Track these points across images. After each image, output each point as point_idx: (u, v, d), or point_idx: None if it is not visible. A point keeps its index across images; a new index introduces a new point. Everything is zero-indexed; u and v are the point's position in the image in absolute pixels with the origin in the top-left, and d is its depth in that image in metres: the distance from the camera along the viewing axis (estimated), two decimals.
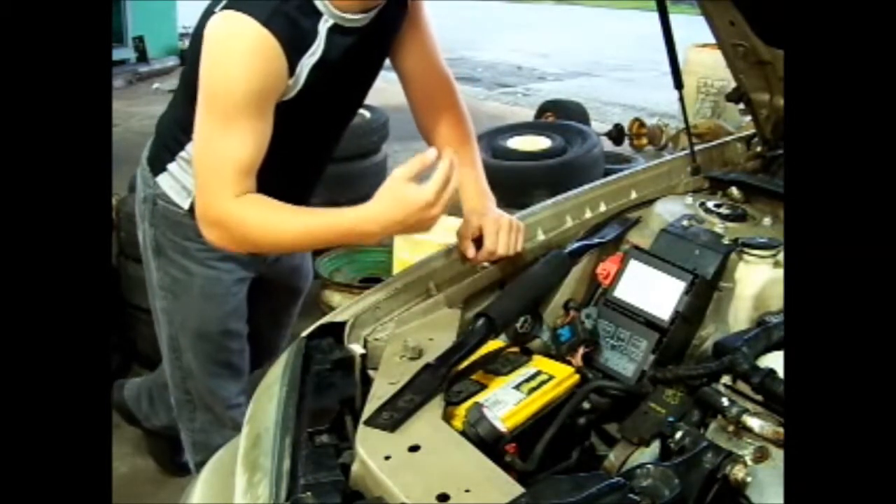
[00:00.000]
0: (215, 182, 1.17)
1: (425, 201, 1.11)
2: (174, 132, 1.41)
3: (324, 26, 1.20)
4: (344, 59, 1.25)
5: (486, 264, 1.30)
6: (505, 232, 1.25)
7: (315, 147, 1.45)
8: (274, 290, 1.65)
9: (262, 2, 1.14)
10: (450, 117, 1.45)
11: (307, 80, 1.22)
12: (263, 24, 1.12)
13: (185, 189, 1.42)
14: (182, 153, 1.39)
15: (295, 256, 1.69)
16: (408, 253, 2.47)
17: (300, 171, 1.46)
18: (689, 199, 1.47)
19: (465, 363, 1.07)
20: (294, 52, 1.17)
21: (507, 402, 1.01)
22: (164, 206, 1.46)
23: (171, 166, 1.42)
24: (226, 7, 1.15)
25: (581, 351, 1.15)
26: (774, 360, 0.99)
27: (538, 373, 1.08)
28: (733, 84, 1.80)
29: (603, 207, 1.51)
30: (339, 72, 1.26)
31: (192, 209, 1.40)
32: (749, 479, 0.84)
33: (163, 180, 1.44)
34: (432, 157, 1.13)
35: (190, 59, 1.28)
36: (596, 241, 1.38)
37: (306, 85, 1.22)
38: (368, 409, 0.94)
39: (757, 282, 1.25)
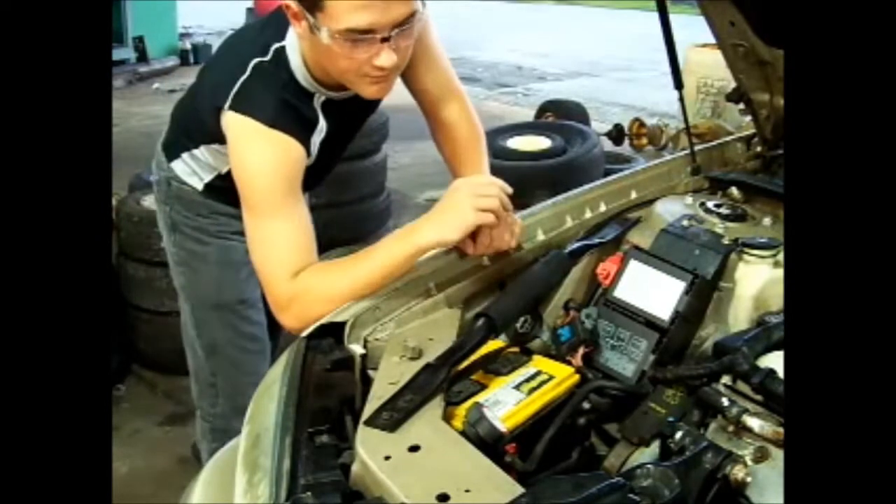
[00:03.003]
0: (276, 270, 1.21)
1: (470, 181, 1.19)
2: (189, 128, 1.48)
3: (318, 103, 1.29)
4: (342, 124, 1.34)
5: (486, 261, 1.30)
6: (500, 227, 1.25)
7: (309, 183, 1.50)
8: None
9: (264, 100, 1.22)
10: (460, 128, 1.52)
11: (318, 152, 1.32)
12: (272, 127, 1.20)
13: (197, 174, 1.50)
14: (196, 151, 1.47)
15: None
16: None
17: None
18: (689, 199, 1.47)
19: (465, 363, 1.06)
20: (305, 135, 1.26)
21: (507, 402, 1.01)
22: (177, 187, 1.53)
23: (185, 155, 1.50)
24: (233, 108, 1.22)
25: (581, 351, 1.15)
26: (774, 360, 0.99)
27: (538, 373, 1.08)
28: (733, 84, 1.80)
29: (603, 207, 1.51)
30: (340, 135, 1.36)
31: (204, 189, 1.51)
32: (749, 479, 0.84)
33: (176, 165, 1.52)
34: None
35: (200, 91, 1.40)
36: (596, 241, 1.38)
37: (317, 155, 1.32)
38: (368, 409, 0.94)
39: (757, 282, 1.25)
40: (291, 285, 1.19)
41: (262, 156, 1.21)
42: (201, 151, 1.45)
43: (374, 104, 1.43)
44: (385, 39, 1.11)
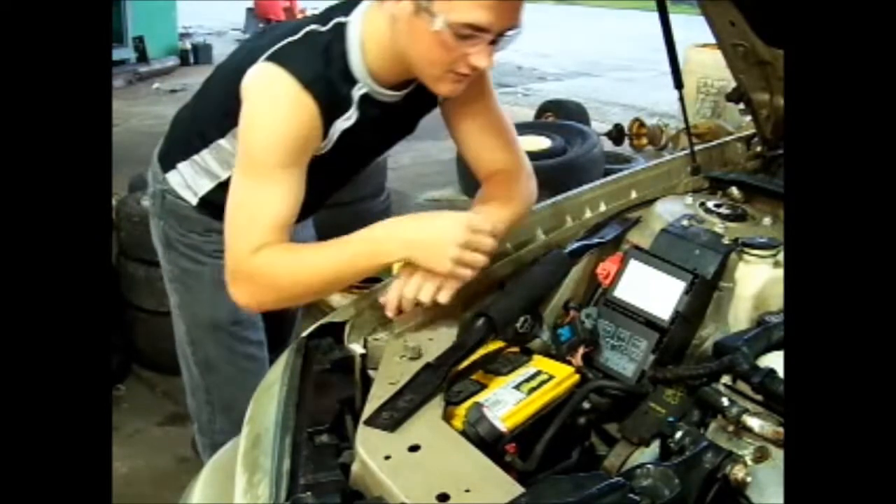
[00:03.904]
0: (248, 237, 1.15)
1: (465, 217, 1.09)
2: (191, 137, 1.42)
3: (357, 93, 1.21)
4: (371, 128, 1.26)
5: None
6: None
7: (323, 191, 1.43)
8: None
9: (307, 60, 1.15)
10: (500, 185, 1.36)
11: (336, 143, 1.24)
12: (304, 88, 1.13)
13: (191, 189, 1.44)
14: (196, 157, 1.41)
15: None
16: None
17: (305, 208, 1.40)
18: (689, 199, 1.47)
19: (465, 363, 1.07)
20: (329, 116, 1.19)
21: (507, 402, 1.01)
22: (171, 201, 1.48)
23: (182, 165, 1.44)
24: (271, 59, 1.16)
25: (581, 351, 1.15)
26: (774, 360, 0.99)
27: (538, 373, 1.08)
28: (733, 84, 1.81)
29: (603, 207, 1.51)
30: (364, 139, 1.28)
31: (199, 205, 1.44)
32: (749, 479, 0.84)
33: (171, 177, 1.46)
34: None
35: (219, 78, 1.34)
36: (596, 241, 1.38)
37: (335, 146, 1.24)
38: (368, 409, 0.94)
39: (757, 282, 1.25)
40: (252, 260, 1.13)
41: (279, 111, 1.14)
42: (203, 156, 1.39)
43: (407, 126, 1.38)
44: (492, 42, 1.09)
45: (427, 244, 1.10)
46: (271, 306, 1.22)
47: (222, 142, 1.35)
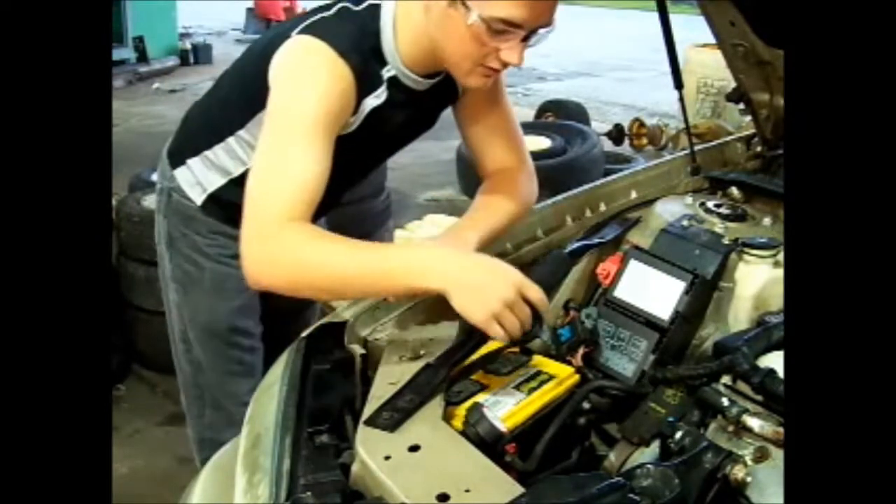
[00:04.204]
0: (275, 203, 1.08)
1: (521, 277, 1.02)
2: (204, 132, 1.42)
3: (386, 74, 1.21)
4: (397, 114, 1.26)
5: None
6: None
7: (340, 183, 1.35)
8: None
9: (341, 33, 1.15)
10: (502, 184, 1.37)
11: (363, 122, 1.22)
12: (340, 55, 1.13)
13: (200, 185, 1.43)
14: (208, 153, 1.40)
15: None
16: None
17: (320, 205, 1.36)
18: (689, 199, 1.47)
19: (465, 363, 1.07)
20: (362, 89, 1.18)
21: (507, 402, 1.01)
22: (177, 200, 1.47)
23: (192, 161, 1.43)
24: (305, 31, 1.15)
25: (581, 351, 1.15)
26: (774, 360, 0.99)
27: (538, 373, 1.08)
28: (733, 84, 1.81)
29: (603, 207, 1.51)
30: (390, 123, 1.27)
31: (204, 205, 1.43)
32: (749, 479, 0.84)
33: (180, 173, 1.46)
34: None
35: (240, 68, 1.33)
36: (596, 241, 1.38)
37: (361, 127, 1.22)
38: (368, 409, 0.94)
39: (757, 282, 1.25)
40: (279, 233, 1.06)
41: (318, 75, 1.12)
42: (216, 152, 1.38)
43: (429, 119, 1.37)
44: (524, 39, 1.10)
45: (470, 288, 1.01)
46: (279, 288, 1.12)
47: (242, 133, 1.33)
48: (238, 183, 1.32)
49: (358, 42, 1.15)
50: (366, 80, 1.17)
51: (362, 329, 1.15)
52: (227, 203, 1.38)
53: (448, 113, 1.41)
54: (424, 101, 1.28)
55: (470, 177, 1.39)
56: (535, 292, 1.03)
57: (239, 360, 1.56)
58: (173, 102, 7.01)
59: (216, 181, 1.41)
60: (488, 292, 1.00)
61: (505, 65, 1.13)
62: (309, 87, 1.12)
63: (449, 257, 1.06)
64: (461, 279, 1.02)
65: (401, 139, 1.41)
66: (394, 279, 1.05)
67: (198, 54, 9.10)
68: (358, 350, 1.11)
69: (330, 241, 1.08)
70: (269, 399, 1.02)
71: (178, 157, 1.47)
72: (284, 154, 1.11)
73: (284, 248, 1.06)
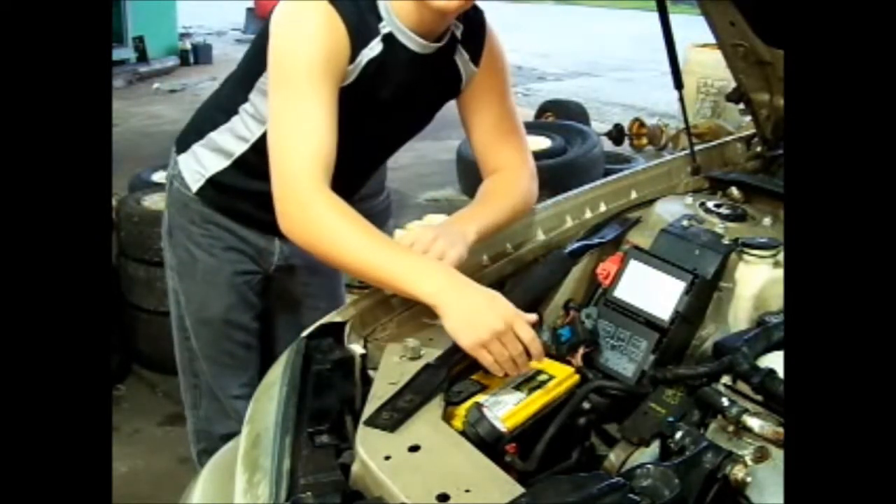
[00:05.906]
0: (300, 157, 1.13)
1: (515, 314, 1.04)
2: (211, 113, 1.45)
3: (382, 28, 1.23)
4: (398, 72, 1.26)
5: (486, 261, 1.30)
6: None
7: (355, 156, 1.36)
8: (289, 297, 1.65)
9: None
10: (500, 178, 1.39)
11: (362, 73, 1.23)
12: (331, 3, 1.16)
13: (200, 172, 1.45)
14: (213, 134, 1.42)
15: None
16: None
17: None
18: (689, 199, 1.48)
19: (465, 363, 1.07)
20: (356, 38, 1.20)
21: (507, 402, 1.01)
22: (176, 188, 1.50)
23: (196, 146, 1.46)
24: None
25: (581, 351, 1.15)
26: (774, 360, 0.99)
27: (538, 373, 1.08)
28: (733, 84, 1.81)
29: (603, 207, 1.51)
30: (387, 83, 1.27)
31: (200, 192, 1.45)
32: (749, 479, 0.84)
33: (183, 160, 1.49)
34: None
35: (252, 49, 1.35)
36: (596, 241, 1.38)
37: (360, 78, 1.23)
38: (368, 409, 0.94)
39: (757, 282, 1.25)
40: (315, 199, 1.11)
41: (309, 24, 1.16)
42: (220, 132, 1.41)
43: (430, 103, 1.38)
44: None
45: (463, 312, 1.04)
46: (305, 246, 1.17)
47: (246, 106, 1.35)
48: (239, 165, 1.37)
49: None
50: (360, 29, 1.20)
51: (362, 329, 1.15)
52: (227, 187, 1.41)
53: (447, 112, 1.42)
54: (424, 74, 1.28)
55: (470, 177, 1.37)
56: (527, 332, 1.04)
57: (230, 353, 1.57)
58: (173, 102, 7.02)
59: (218, 164, 1.43)
60: (479, 320, 1.02)
61: None
62: (303, 36, 1.17)
63: (452, 279, 1.08)
64: (457, 303, 1.05)
65: (399, 122, 1.40)
66: (401, 283, 1.09)
67: (198, 54, 9.10)
68: (358, 350, 1.11)
69: (360, 228, 1.12)
70: (269, 399, 1.02)
71: (183, 142, 1.50)
72: (298, 109, 1.15)
73: (319, 221, 1.11)
